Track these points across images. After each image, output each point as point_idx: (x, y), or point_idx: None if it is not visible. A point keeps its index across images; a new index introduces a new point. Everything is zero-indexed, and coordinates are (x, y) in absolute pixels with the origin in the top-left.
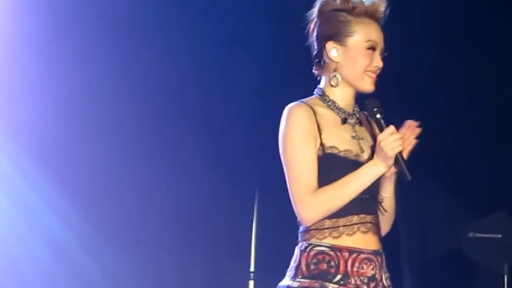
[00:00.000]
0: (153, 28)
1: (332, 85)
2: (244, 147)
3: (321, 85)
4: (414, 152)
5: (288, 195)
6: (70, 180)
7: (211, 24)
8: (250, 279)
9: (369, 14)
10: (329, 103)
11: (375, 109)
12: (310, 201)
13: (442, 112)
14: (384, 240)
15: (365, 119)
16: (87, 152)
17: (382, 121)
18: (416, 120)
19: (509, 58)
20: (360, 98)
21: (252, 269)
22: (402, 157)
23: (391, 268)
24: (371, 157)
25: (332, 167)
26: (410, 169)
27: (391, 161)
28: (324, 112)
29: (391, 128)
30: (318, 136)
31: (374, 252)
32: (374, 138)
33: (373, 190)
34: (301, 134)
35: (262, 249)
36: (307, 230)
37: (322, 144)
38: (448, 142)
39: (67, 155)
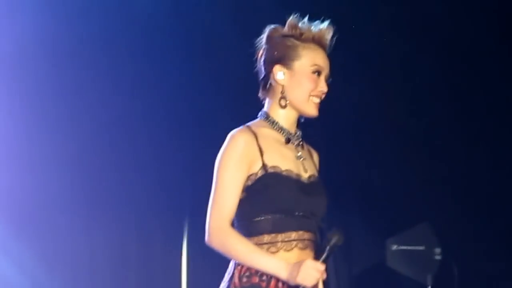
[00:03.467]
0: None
1: (281, 106)
2: (174, 174)
3: (265, 108)
4: (337, 164)
5: None
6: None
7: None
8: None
9: (316, 41)
10: (273, 124)
11: (333, 242)
12: (220, 234)
13: (362, 128)
14: None
15: (307, 149)
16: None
17: (326, 254)
18: (336, 135)
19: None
20: (303, 125)
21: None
22: None
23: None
24: (312, 179)
25: (276, 184)
26: None
27: (293, 283)
28: (268, 133)
29: (323, 266)
30: (258, 159)
31: None
32: (313, 163)
33: (315, 209)
34: (233, 163)
35: (194, 271)
36: None
37: (264, 165)
38: (367, 158)
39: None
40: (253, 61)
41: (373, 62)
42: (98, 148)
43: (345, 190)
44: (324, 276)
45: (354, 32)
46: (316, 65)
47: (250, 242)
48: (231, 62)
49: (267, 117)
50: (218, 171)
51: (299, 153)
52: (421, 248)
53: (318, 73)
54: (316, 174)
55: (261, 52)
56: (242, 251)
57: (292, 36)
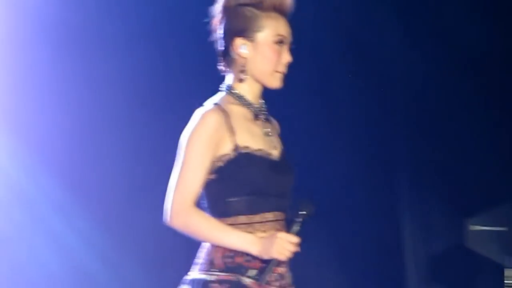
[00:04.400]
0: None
1: (241, 80)
2: None
3: (229, 81)
4: (416, 145)
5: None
6: (73, 177)
7: None
8: None
9: (277, 8)
10: (240, 99)
11: (304, 213)
12: (184, 213)
13: (442, 105)
14: (388, 234)
15: (270, 121)
16: (88, 148)
17: (297, 225)
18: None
19: None
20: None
21: None
22: (275, 265)
23: (395, 262)
24: (282, 155)
25: (249, 165)
26: (267, 276)
27: (267, 257)
28: (236, 110)
29: (297, 239)
30: (229, 139)
31: None
32: (278, 135)
33: (286, 188)
34: (202, 144)
35: None
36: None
37: (236, 146)
38: (450, 134)
39: (70, 152)
40: None
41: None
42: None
43: (424, 168)
44: (298, 249)
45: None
46: (279, 35)
47: (215, 219)
48: None
49: (231, 91)
50: (185, 151)
51: (267, 129)
52: (503, 229)
53: (281, 43)
54: (283, 148)
55: (217, 22)
56: (207, 229)
57: (251, 4)
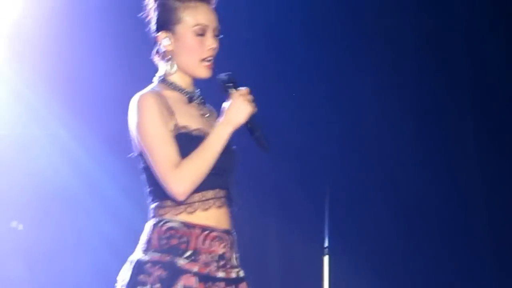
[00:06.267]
0: None
1: (171, 72)
2: None
3: (160, 72)
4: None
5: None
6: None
7: None
8: (324, 254)
9: None
10: (172, 85)
11: (230, 84)
12: (177, 175)
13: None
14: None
15: (208, 107)
16: None
17: (231, 89)
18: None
19: None
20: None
21: (326, 244)
22: (256, 124)
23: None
24: None
25: (187, 144)
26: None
27: (241, 119)
28: (171, 95)
29: (247, 89)
30: (172, 116)
31: (225, 231)
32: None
33: (226, 165)
34: (155, 117)
35: (336, 226)
36: (163, 206)
37: (176, 125)
38: None
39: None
40: None
41: None
42: None
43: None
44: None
45: None
46: (198, 25)
47: (191, 154)
48: None
49: (163, 80)
50: (144, 133)
51: (202, 111)
52: None
53: (203, 31)
54: None
55: (148, 14)
56: (197, 160)
57: None
